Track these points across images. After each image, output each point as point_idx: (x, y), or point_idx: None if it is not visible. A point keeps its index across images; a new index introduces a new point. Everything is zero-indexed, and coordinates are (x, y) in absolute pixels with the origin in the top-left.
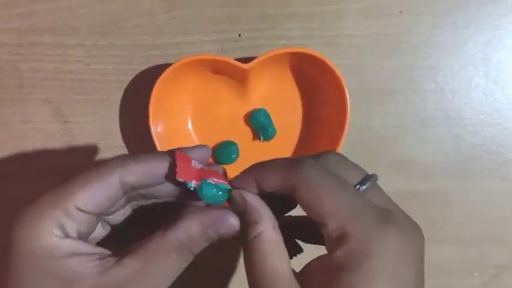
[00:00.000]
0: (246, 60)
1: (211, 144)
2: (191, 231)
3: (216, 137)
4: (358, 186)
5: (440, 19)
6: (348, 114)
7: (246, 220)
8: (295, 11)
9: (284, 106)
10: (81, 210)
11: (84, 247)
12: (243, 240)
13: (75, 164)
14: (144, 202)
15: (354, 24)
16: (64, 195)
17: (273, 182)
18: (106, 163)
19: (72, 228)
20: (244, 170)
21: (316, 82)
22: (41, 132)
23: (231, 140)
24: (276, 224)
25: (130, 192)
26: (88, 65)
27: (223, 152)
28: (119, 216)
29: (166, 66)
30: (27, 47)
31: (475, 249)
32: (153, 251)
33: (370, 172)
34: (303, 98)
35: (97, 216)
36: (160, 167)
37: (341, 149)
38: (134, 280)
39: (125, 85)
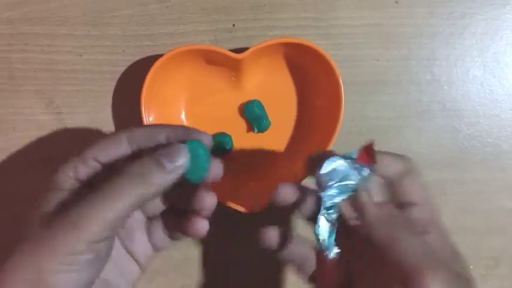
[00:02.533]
0: (240, 50)
1: None
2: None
3: (210, 128)
4: None
5: (436, 9)
6: (343, 105)
7: None
8: (290, 2)
9: (278, 97)
10: (98, 162)
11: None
12: None
13: (68, 154)
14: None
15: (348, 15)
16: (82, 150)
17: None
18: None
19: (83, 173)
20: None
21: (310, 73)
22: (33, 124)
23: (225, 131)
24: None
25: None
26: (80, 56)
27: (217, 143)
28: None
29: (159, 56)
30: (19, 38)
31: (471, 240)
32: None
33: None
34: (298, 89)
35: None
36: (162, 131)
37: (336, 140)
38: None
39: (118, 75)
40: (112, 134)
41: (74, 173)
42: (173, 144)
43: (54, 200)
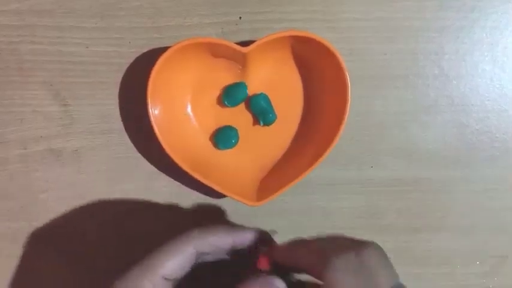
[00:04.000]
0: (246, 43)
1: (211, 128)
2: None
3: (216, 121)
4: None
5: (445, 2)
6: (349, 99)
7: None
8: None
9: (284, 90)
10: (166, 279)
11: None
12: None
13: (74, 146)
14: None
15: (356, 8)
16: (152, 267)
17: (305, 266)
18: (185, 235)
19: None
20: (289, 245)
21: (317, 66)
22: (40, 115)
23: (231, 124)
24: None
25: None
26: (87, 47)
27: (222, 136)
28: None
29: (165, 49)
30: (27, 29)
31: (477, 238)
32: None
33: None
34: (304, 83)
35: (173, 283)
36: (229, 241)
37: (341, 135)
38: None
39: (125, 68)
40: (175, 244)
41: None
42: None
43: None
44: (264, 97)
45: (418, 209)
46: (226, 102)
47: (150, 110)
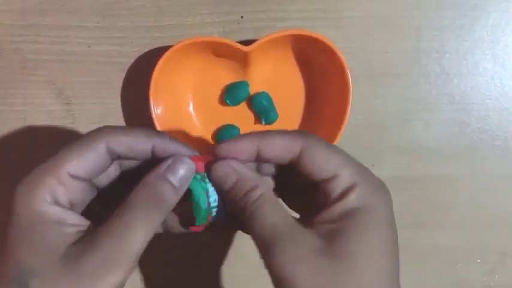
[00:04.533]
0: (248, 42)
1: (213, 127)
2: (149, 183)
3: (218, 120)
4: None
5: (446, 1)
6: (350, 98)
7: (243, 188)
8: None
9: (286, 89)
10: (72, 177)
11: (71, 217)
12: (240, 209)
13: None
14: (131, 163)
15: (357, 6)
16: (57, 163)
17: (279, 149)
18: (95, 130)
19: (64, 196)
20: (245, 135)
21: (318, 65)
22: (43, 114)
23: (233, 123)
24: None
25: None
26: (90, 47)
27: (224, 135)
28: (105, 177)
29: (167, 48)
30: (30, 29)
31: (478, 235)
32: (119, 220)
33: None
34: (305, 82)
35: (87, 182)
36: (146, 144)
37: (344, 133)
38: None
39: (127, 67)
40: (84, 139)
41: (51, 197)
42: (173, 158)
43: (47, 235)
44: (266, 96)
45: (420, 207)
46: (228, 101)
47: (152, 109)
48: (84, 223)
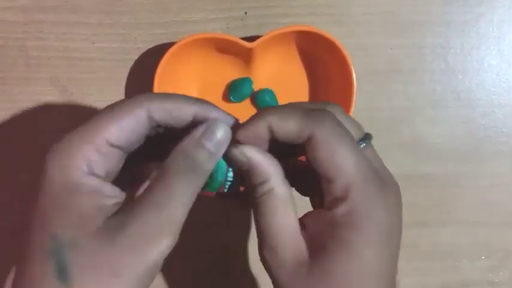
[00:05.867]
0: (252, 38)
1: None
2: (186, 151)
3: None
4: (359, 144)
5: None
6: (354, 94)
7: (252, 179)
8: None
9: (290, 86)
10: (111, 145)
11: (108, 188)
12: (250, 196)
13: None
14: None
15: (362, 2)
16: (94, 129)
17: (288, 132)
18: (135, 96)
19: (101, 165)
20: (256, 115)
21: (322, 61)
22: (48, 111)
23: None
24: (284, 177)
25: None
26: (93, 43)
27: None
28: (136, 144)
29: (171, 44)
30: (33, 26)
31: (483, 233)
32: (158, 190)
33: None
34: (309, 78)
35: (124, 151)
36: (188, 111)
37: None
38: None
39: (130, 63)
40: (123, 105)
41: (88, 167)
42: (209, 122)
43: (84, 207)
44: (269, 92)
45: (425, 204)
46: (231, 98)
47: None
48: (120, 195)
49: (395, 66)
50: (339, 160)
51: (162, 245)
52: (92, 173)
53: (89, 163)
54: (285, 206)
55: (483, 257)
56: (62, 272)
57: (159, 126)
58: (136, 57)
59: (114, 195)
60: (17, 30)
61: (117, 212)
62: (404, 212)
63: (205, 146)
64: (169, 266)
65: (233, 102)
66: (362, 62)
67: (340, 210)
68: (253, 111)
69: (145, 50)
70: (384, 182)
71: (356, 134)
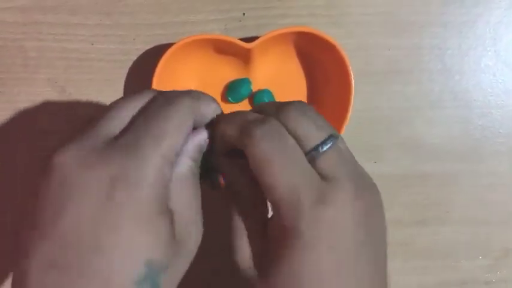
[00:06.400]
0: (250, 39)
1: None
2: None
3: None
4: (313, 151)
5: None
6: (352, 95)
7: None
8: None
9: (288, 87)
10: (177, 155)
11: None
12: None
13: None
14: None
15: (360, 3)
16: (165, 141)
17: (229, 140)
18: (182, 99)
19: (169, 176)
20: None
21: (320, 62)
22: (46, 112)
23: None
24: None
25: None
26: (92, 44)
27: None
28: None
29: (170, 45)
30: (32, 26)
31: (481, 231)
32: None
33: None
34: (308, 78)
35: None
36: (215, 112)
37: (346, 130)
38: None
39: (129, 64)
40: (176, 114)
41: (164, 180)
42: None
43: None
44: (268, 93)
45: (423, 203)
46: (230, 99)
47: None
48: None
49: (392, 66)
50: (266, 179)
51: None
52: (166, 187)
53: (164, 176)
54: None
55: (481, 256)
56: None
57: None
58: (135, 58)
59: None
60: (16, 30)
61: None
62: (403, 211)
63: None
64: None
65: (231, 102)
66: (360, 62)
67: (271, 225)
68: None
69: (144, 50)
70: (325, 200)
71: (315, 137)
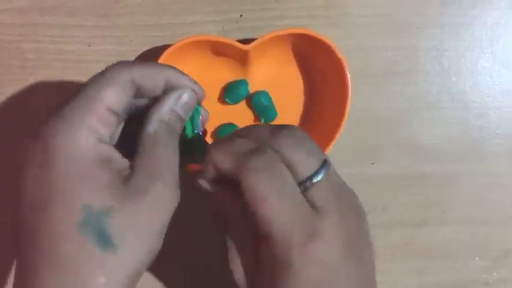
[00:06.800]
0: (247, 41)
1: (212, 126)
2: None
3: (217, 118)
4: (307, 181)
5: None
6: (349, 96)
7: None
8: None
9: (286, 88)
10: (111, 112)
11: (117, 155)
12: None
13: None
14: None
15: (358, 5)
16: (94, 96)
17: (222, 170)
18: (115, 64)
19: (105, 132)
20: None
21: (317, 64)
22: (44, 112)
23: (232, 122)
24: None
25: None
26: (89, 46)
27: (223, 134)
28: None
29: (167, 46)
30: (29, 28)
31: (479, 232)
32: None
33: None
34: (305, 80)
35: (119, 118)
36: (163, 75)
37: (344, 131)
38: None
39: None
40: (109, 74)
41: (95, 135)
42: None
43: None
44: (265, 95)
45: (422, 203)
46: (227, 100)
47: None
48: (125, 160)
49: (390, 68)
50: (260, 212)
51: (178, 195)
52: (100, 141)
53: (96, 131)
54: None
55: (480, 257)
56: (104, 240)
57: (137, 96)
58: (132, 59)
59: (123, 162)
60: (14, 32)
61: (130, 177)
62: (402, 211)
63: (176, 111)
64: (180, 258)
65: (229, 104)
66: (358, 64)
67: (263, 253)
68: (249, 113)
69: (141, 52)
70: (314, 235)
71: (309, 166)
